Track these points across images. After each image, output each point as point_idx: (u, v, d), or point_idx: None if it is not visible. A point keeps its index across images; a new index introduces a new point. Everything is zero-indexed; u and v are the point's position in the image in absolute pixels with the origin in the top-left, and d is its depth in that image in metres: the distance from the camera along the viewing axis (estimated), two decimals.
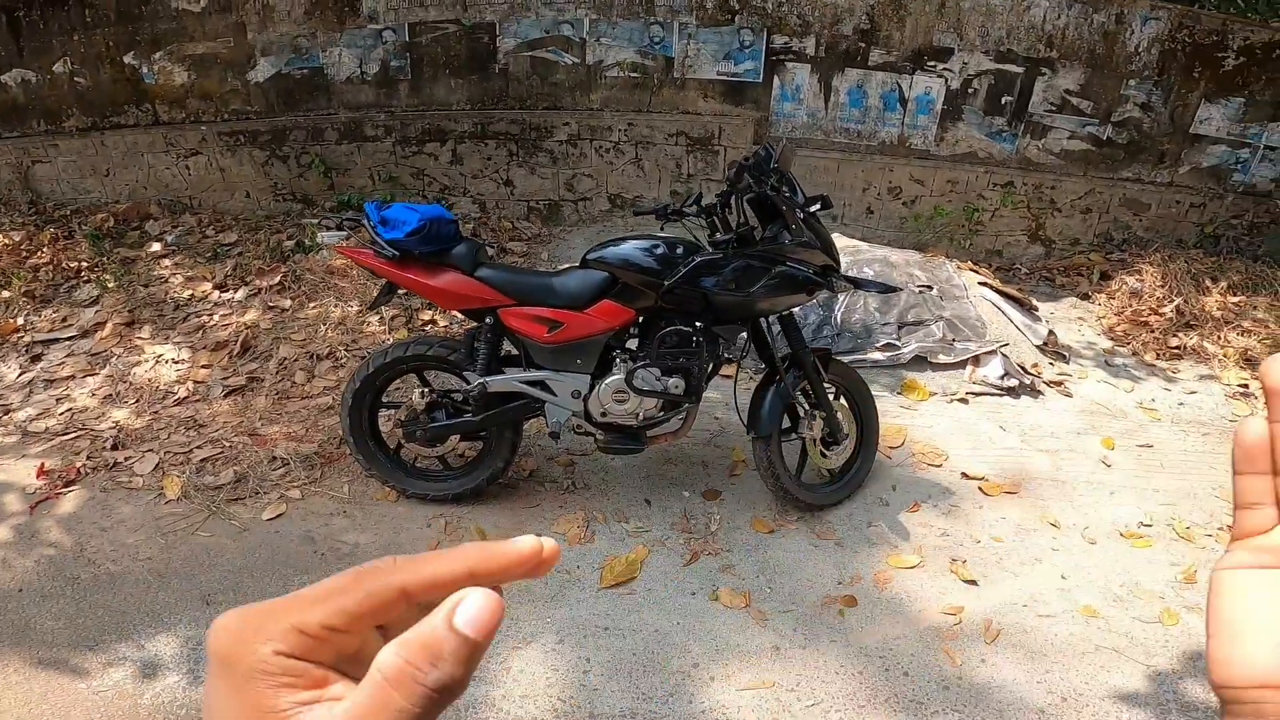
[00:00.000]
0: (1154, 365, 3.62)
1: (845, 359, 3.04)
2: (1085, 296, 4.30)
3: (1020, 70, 4.24)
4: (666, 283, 2.17)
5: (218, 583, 2.16)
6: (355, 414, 2.40)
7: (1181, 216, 4.58)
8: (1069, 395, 3.30)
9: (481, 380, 2.27)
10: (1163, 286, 4.09)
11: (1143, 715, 1.83)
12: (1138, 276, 4.24)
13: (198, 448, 2.75)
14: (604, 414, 2.31)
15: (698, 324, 2.26)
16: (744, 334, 2.37)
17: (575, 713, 1.78)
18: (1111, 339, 3.88)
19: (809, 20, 4.15)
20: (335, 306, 3.79)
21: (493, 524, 2.42)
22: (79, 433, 2.85)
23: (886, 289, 2.51)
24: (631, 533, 2.39)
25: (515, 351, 2.38)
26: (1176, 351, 3.70)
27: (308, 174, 4.55)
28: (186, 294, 3.78)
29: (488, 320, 2.28)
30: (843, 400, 2.56)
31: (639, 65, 4.27)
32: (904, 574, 2.23)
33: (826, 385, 2.45)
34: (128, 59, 4.32)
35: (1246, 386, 3.36)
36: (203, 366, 3.27)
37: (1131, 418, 3.15)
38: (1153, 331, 3.85)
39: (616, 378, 2.26)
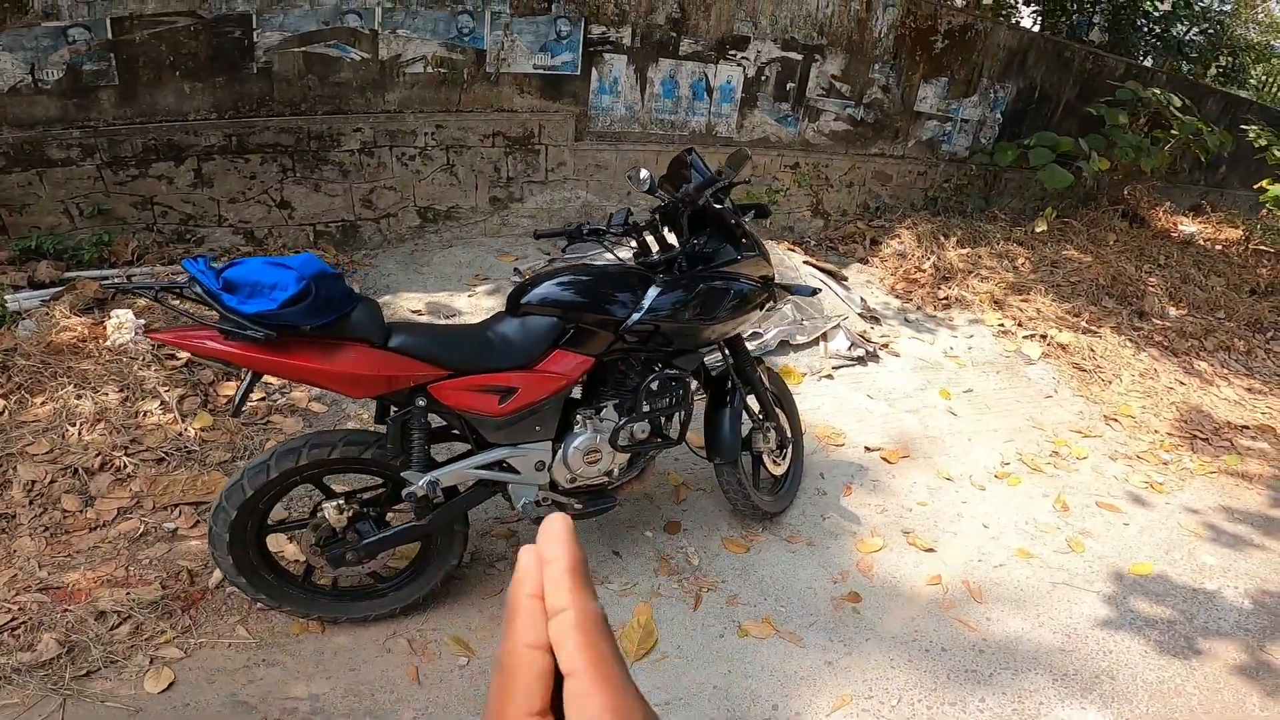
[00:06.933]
0: (935, 316, 4.37)
1: None
2: (864, 260, 4.99)
3: (800, 57, 4.68)
4: (631, 319, 1.98)
5: None
6: (239, 550, 1.82)
7: (913, 184, 5.54)
8: (897, 355, 3.83)
9: (430, 478, 1.86)
10: (919, 247, 4.92)
11: (1120, 634, 2.22)
12: (899, 240, 5.04)
13: None
14: (573, 480, 2.07)
15: (657, 361, 2.12)
16: (702, 360, 2.28)
17: None
18: (896, 297, 4.57)
19: (625, 9, 4.07)
20: (79, 397, 2.79)
21: (465, 627, 2.05)
22: None
23: (810, 291, 2.59)
24: (621, 592, 2.21)
25: (446, 424, 2.01)
26: (946, 302, 4.50)
27: None
28: None
29: (419, 402, 1.87)
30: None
31: (446, 60, 3.77)
32: (877, 558, 2.42)
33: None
34: None
35: (1004, 325, 4.23)
36: None
37: (946, 367, 3.78)
38: (923, 287, 4.63)
39: (584, 437, 2.03)
